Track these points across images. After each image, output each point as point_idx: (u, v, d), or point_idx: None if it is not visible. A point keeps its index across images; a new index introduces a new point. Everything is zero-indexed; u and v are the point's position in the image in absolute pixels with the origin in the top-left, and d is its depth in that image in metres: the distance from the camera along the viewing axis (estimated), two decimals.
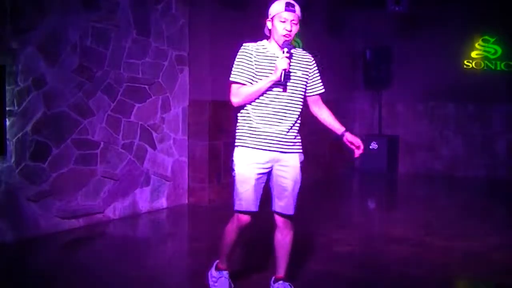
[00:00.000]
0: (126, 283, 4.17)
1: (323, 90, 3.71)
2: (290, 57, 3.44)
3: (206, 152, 6.82)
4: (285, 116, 3.45)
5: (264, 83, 3.39)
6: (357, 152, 3.65)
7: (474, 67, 9.38)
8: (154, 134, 6.49)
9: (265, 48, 3.52)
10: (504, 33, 9.15)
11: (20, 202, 5.07)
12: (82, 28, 5.53)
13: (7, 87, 4.94)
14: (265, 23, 3.55)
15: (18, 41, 4.98)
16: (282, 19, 3.45)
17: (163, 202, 6.66)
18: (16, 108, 5.01)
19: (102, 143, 5.83)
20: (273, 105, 3.42)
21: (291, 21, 3.44)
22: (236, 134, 3.52)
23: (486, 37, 9.33)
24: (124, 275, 4.31)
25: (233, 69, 3.47)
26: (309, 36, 8.61)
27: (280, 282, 3.75)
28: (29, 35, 5.06)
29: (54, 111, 5.32)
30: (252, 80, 3.44)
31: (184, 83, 6.88)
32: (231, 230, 3.63)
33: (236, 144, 3.51)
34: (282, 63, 3.33)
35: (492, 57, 9.28)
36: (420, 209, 6.99)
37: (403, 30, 9.71)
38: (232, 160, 3.51)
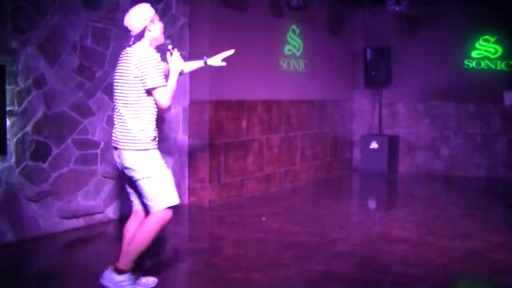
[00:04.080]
0: None
1: None
2: None
3: (206, 152, 6.82)
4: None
5: (175, 80, 3.67)
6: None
7: (474, 67, 9.38)
8: None
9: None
10: (504, 32, 9.13)
11: (20, 202, 5.07)
12: (82, 28, 5.54)
13: (7, 87, 4.95)
14: (150, 24, 3.67)
15: (18, 41, 4.98)
16: (157, 18, 3.71)
17: None
18: (16, 108, 5.01)
19: (102, 143, 5.82)
20: (155, 108, 3.68)
21: None
22: (139, 138, 3.60)
23: (487, 36, 9.32)
24: None
25: (155, 75, 3.53)
26: (309, 35, 8.62)
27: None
28: (29, 35, 5.06)
29: (54, 111, 5.32)
30: None
31: (184, 83, 6.87)
32: (157, 230, 3.67)
33: (144, 148, 3.61)
34: (180, 59, 3.72)
35: (492, 56, 9.27)
36: (420, 209, 6.98)
37: (403, 30, 9.71)
38: (143, 163, 3.60)
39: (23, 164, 5.08)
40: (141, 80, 3.55)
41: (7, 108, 4.96)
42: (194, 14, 6.84)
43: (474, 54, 9.38)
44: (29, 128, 5.12)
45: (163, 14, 6.51)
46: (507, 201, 7.31)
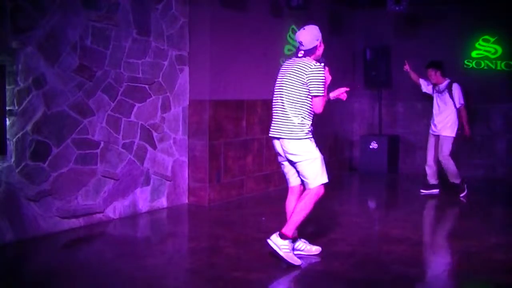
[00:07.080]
0: (126, 283, 4.18)
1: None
2: None
3: (206, 152, 6.82)
4: None
5: (326, 92, 4.56)
6: (345, 93, 4.94)
7: (474, 67, 9.37)
8: (154, 134, 6.49)
9: None
10: (504, 32, 9.12)
11: (20, 202, 5.08)
12: (82, 28, 5.54)
13: (7, 87, 4.95)
14: (319, 45, 4.52)
15: (18, 40, 4.98)
16: (321, 40, 4.55)
17: (163, 202, 6.66)
18: (16, 107, 5.01)
19: (102, 142, 5.83)
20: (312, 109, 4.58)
21: None
22: (299, 129, 4.49)
23: (486, 36, 9.32)
24: (124, 275, 4.32)
25: (320, 86, 4.42)
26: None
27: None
28: (29, 34, 5.06)
29: (54, 111, 5.32)
30: None
31: (184, 83, 6.88)
32: (314, 202, 4.48)
33: (303, 137, 4.51)
34: (329, 76, 4.58)
35: (492, 56, 9.27)
36: (420, 209, 6.98)
37: (403, 30, 9.70)
38: (303, 149, 4.50)
39: (23, 164, 5.08)
40: (308, 87, 4.42)
41: (7, 108, 4.96)
42: (194, 14, 6.84)
43: (474, 54, 9.38)
44: (29, 127, 5.12)
45: (163, 14, 6.51)
46: None
